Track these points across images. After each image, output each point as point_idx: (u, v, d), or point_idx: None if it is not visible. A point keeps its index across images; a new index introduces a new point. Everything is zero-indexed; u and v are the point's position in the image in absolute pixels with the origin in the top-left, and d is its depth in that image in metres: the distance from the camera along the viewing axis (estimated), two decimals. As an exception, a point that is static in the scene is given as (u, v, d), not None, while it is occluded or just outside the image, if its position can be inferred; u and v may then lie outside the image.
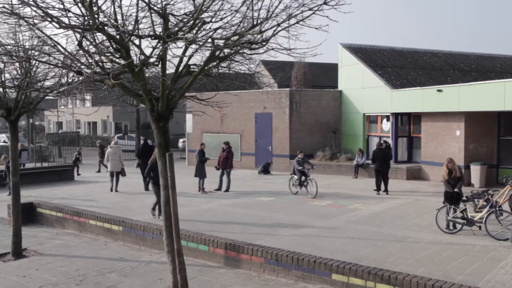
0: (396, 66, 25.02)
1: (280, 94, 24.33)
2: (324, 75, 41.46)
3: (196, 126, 28.04)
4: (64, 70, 7.75)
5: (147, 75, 7.02)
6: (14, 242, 9.88)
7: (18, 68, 9.15)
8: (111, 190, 17.99)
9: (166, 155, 6.41)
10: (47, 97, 10.06)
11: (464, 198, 11.86)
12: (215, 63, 6.83)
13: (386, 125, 22.84)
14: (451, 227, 11.72)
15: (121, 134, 43.09)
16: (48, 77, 8.70)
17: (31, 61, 8.42)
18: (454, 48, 35.41)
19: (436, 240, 10.84)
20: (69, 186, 19.89)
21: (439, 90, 19.18)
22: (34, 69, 8.96)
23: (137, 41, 6.25)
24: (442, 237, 11.10)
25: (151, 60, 6.10)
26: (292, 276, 7.90)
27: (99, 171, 25.67)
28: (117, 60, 6.20)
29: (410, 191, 17.79)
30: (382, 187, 17.30)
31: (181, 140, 37.17)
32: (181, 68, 6.57)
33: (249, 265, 8.40)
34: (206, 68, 6.86)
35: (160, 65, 6.25)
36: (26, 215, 12.23)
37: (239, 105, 25.74)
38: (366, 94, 23.69)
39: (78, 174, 23.67)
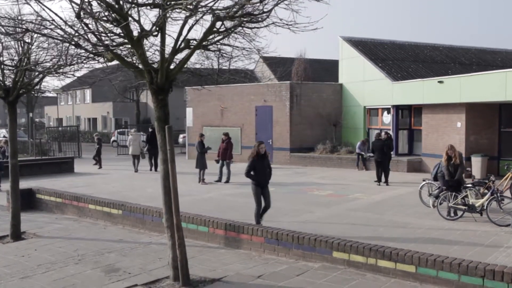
0: (397, 59, 24.97)
1: (280, 87, 24.26)
2: (324, 72, 41.45)
3: (196, 119, 27.97)
4: (64, 47, 7.70)
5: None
6: (13, 225, 9.82)
7: (16, 45, 9.07)
8: (136, 171, 21.12)
9: (165, 128, 6.35)
10: (47, 95, 10.08)
11: (465, 185, 11.83)
12: (215, 37, 6.77)
13: (387, 118, 22.79)
14: (452, 214, 11.68)
15: (121, 130, 43.09)
16: (48, 53, 8.62)
17: (30, 36, 8.34)
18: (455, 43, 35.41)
19: (437, 226, 10.81)
20: (69, 178, 19.86)
21: (440, 82, 19.11)
22: (33, 46, 8.90)
23: (136, 16, 6.20)
24: (443, 223, 11.07)
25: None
26: (292, 255, 7.84)
27: (96, 164, 25.55)
28: (115, 30, 6.14)
29: (411, 182, 17.71)
30: (383, 178, 17.24)
31: (181, 135, 37.13)
32: (180, 41, 6.51)
33: (249, 245, 8.34)
34: (206, 42, 6.80)
35: (159, 36, 6.19)
36: (26, 201, 12.19)
37: (240, 98, 25.68)
38: (367, 87, 23.64)
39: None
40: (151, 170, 21.18)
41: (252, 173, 10.14)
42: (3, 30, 8.17)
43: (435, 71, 24.23)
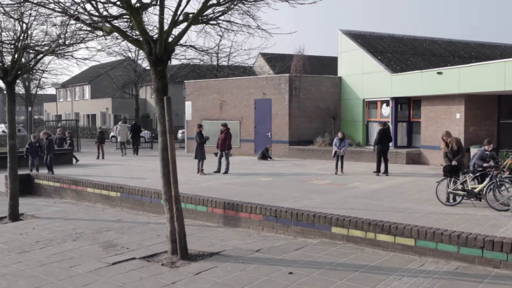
0: (396, 52, 24.95)
1: (279, 80, 24.23)
2: (323, 68, 41.45)
3: (196, 113, 27.93)
4: (63, 24, 7.68)
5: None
6: (11, 205, 9.77)
7: (15, 24, 9.04)
8: (122, 155, 26.26)
9: (164, 99, 6.32)
10: (46, 92, 10.03)
11: (464, 170, 11.82)
12: (215, 11, 6.75)
13: (386, 110, 22.76)
14: (451, 200, 11.66)
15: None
16: (46, 31, 8.59)
17: (29, 14, 8.31)
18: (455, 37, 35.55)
19: (436, 211, 10.79)
20: (68, 169, 19.82)
21: (439, 73, 19.10)
22: (32, 26, 8.87)
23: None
24: (443, 209, 11.06)
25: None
26: (291, 232, 7.82)
27: (98, 157, 25.49)
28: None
29: (410, 173, 17.73)
30: (381, 169, 17.21)
31: (180, 131, 37.22)
32: (179, 13, 6.49)
33: (248, 223, 8.32)
34: (206, 17, 6.79)
35: (158, 8, 6.17)
36: (24, 186, 12.17)
37: (239, 91, 25.64)
38: (366, 79, 23.61)
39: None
40: (135, 154, 26.95)
41: None
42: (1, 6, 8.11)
43: (434, 64, 24.22)
